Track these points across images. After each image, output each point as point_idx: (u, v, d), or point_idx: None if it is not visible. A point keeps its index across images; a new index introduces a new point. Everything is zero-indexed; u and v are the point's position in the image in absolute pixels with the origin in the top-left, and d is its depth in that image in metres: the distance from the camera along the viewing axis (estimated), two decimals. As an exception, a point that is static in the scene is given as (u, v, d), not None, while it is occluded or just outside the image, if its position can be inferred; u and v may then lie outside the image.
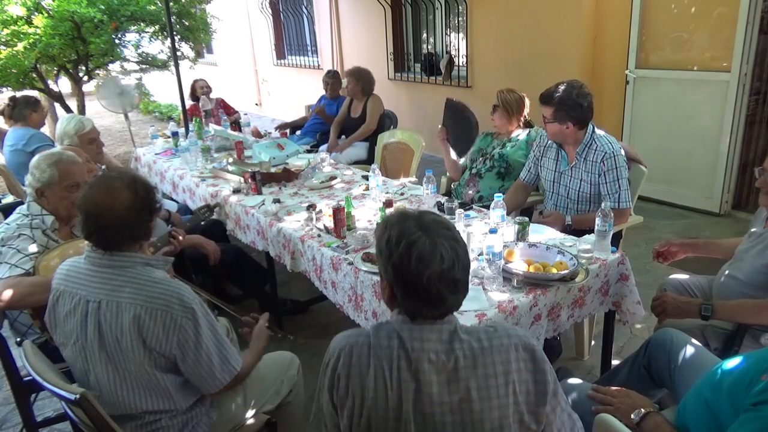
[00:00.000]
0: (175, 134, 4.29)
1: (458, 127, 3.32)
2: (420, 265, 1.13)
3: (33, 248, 2.07)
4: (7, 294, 1.90)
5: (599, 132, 2.64)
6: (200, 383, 1.59)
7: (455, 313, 1.23)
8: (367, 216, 2.69)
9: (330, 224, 2.49)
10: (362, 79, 4.80)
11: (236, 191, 3.15)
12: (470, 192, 3.18)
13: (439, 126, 3.34)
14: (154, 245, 2.40)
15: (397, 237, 1.17)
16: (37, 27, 5.78)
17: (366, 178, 3.22)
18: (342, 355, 1.23)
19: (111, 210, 1.50)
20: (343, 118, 5.01)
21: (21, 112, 4.09)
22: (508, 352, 1.18)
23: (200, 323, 1.52)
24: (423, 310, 1.18)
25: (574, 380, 1.78)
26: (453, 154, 3.36)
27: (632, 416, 1.48)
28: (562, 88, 2.57)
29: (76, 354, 1.56)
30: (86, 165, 2.68)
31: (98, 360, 1.52)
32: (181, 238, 2.54)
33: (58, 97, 6.77)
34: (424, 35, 6.86)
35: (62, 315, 1.57)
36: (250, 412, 1.81)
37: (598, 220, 2.14)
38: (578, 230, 2.49)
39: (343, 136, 5.03)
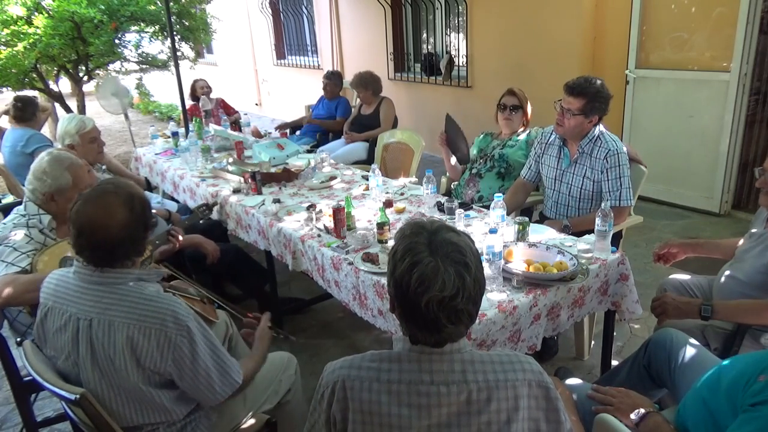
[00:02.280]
0: (175, 134, 4.29)
1: (454, 143, 3.33)
2: (420, 287, 1.06)
3: (29, 246, 2.08)
4: (5, 291, 1.91)
5: (603, 130, 2.64)
6: (200, 398, 1.56)
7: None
8: (367, 216, 2.69)
9: (330, 224, 2.49)
10: (370, 84, 4.85)
11: (236, 191, 3.15)
12: (470, 192, 3.18)
13: (441, 131, 3.34)
14: (152, 243, 2.40)
15: (402, 252, 1.11)
16: (37, 27, 5.78)
17: (366, 178, 3.22)
18: (336, 390, 1.16)
19: (106, 228, 1.45)
20: (355, 117, 5.06)
21: (34, 112, 4.09)
22: (521, 388, 1.13)
23: (196, 340, 1.48)
24: (418, 335, 1.12)
25: (574, 380, 1.78)
26: (453, 159, 3.36)
27: (632, 416, 1.48)
28: (592, 79, 2.53)
29: (68, 368, 1.53)
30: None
31: (91, 376, 1.48)
32: (180, 237, 2.54)
33: (58, 97, 6.78)
34: (424, 35, 6.86)
35: (51, 331, 1.53)
36: (250, 412, 1.81)
37: (598, 220, 2.14)
38: (578, 231, 2.49)
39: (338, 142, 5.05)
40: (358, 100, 5.23)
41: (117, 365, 1.45)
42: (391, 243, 1.63)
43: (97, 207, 1.47)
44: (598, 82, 2.55)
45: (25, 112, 4.07)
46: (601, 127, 2.63)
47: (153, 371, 1.47)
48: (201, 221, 3.06)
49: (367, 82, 4.84)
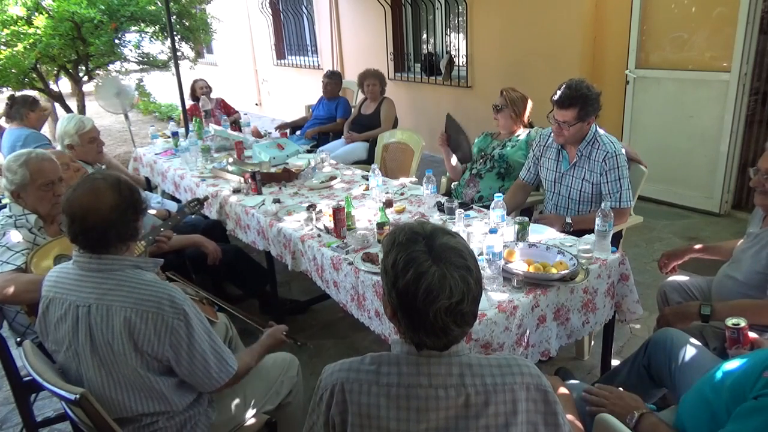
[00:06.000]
0: (175, 134, 4.29)
1: (455, 142, 3.32)
2: (428, 298, 1.05)
3: (22, 245, 2.09)
4: (7, 288, 1.92)
5: (600, 131, 2.64)
6: (197, 383, 1.58)
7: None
8: (367, 216, 2.69)
9: (330, 224, 2.49)
10: (383, 80, 4.95)
11: (236, 191, 3.15)
12: (470, 192, 3.18)
13: (441, 132, 3.33)
14: (146, 238, 2.41)
15: (404, 263, 1.08)
16: (37, 27, 5.78)
17: (366, 178, 3.23)
18: (335, 393, 1.16)
19: (96, 211, 1.49)
20: (356, 117, 5.07)
21: (18, 111, 4.09)
22: (519, 391, 1.12)
23: (192, 324, 1.51)
24: (427, 341, 1.11)
25: (572, 382, 1.77)
26: (454, 159, 3.36)
27: (627, 420, 1.47)
28: (577, 85, 2.51)
29: (69, 360, 1.55)
30: (72, 165, 2.69)
31: (91, 365, 1.50)
32: (168, 239, 2.56)
33: (58, 97, 6.78)
34: (424, 35, 6.86)
35: (53, 322, 1.56)
36: (250, 412, 1.81)
37: (598, 220, 2.14)
38: (578, 230, 2.49)
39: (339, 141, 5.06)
40: (359, 99, 5.23)
41: (116, 350, 1.47)
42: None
43: (86, 192, 1.52)
44: (583, 84, 2.52)
45: (10, 110, 4.09)
46: (598, 129, 2.63)
47: (151, 356, 1.49)
48: (192, 215, 3.06)
49: (382, 78, 4.93)
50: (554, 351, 1.98)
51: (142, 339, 1.46)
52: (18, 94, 4.45)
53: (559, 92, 2.54)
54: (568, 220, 2.57)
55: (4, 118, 4.31)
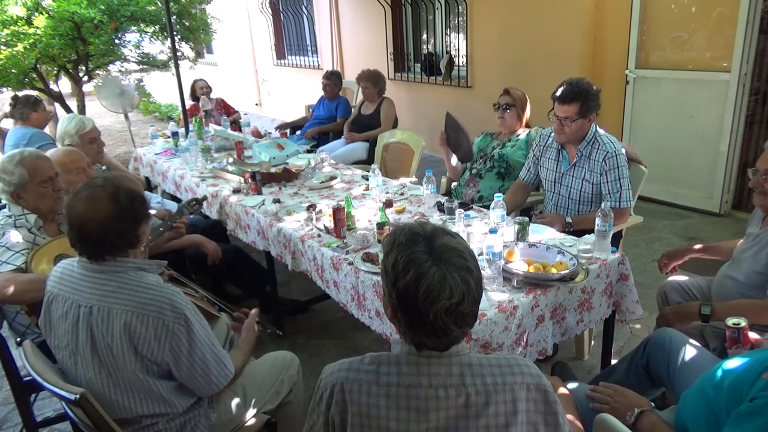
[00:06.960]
0: (175, 134, 4.29)
1: (455, 141, 3.31)
2: (428, 299, 1.05)
3: (22, 245, 2.09)
4: (7, 288, 1.92)
5: (600, 131, 2.64)
6: (196, 387, 1.58)
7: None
8: (367, 216, 2.69)
9: (330, 224, 2.49)
10: (379, 82, 4.91)
11: (236, 191, 3.16)
12: (470, 192, 3.18)
13: (441, 131, 3.33)
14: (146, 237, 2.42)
15: (404, 264, 1.07)
16: (37, 27, 5.78)
17: (366, 178, 3.23)
18: (335, 393, 1.16)
19: (91, 221, 1.47)
20: (356, 117, 5.07)
21: (21, 111, 4.10)
22: (519, 391, 1.12)
23: (193, 329, 1.50)
24: (427, 342, 1.11)
25: (572, 385, 1.77)
26: (454, 159, 3.36)
27: (627, 416, 1.48)
28: (578, 81, 2.51)
29: (68, 358, 1.55)
30: (88, 171, 2.68)
31: (91, 365, 1.50)
32: (185, 225, 2.59)
33: (58, 97, 6.77)
34: (424, 35, 6.86)
35: (55, 318, 1.56)
36: (251, 412, 1.81)
37: (598, 220, 2.14)
38: (578, 230, 2.49)
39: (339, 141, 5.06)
40: (358, 99, 5.23)
41: (115, 353, 1.47)
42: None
43: (83, 201, 1.50)
44: (584, 80, 2.54)
45: (14, 109, 4.10)
46: (598, 128, 2.63)
47: (150, 360, 1.48)
48: (191, 215, 3.06)
49: (377, 79, 4.90)
50: (550, 350, 1.98)
51: (142, 343, 1.46)
52: (21, 94, 4.45)
53: (560, 89, 2.55)
54: (569, 220, 2.57)
55: (4, 119, 4.31)
